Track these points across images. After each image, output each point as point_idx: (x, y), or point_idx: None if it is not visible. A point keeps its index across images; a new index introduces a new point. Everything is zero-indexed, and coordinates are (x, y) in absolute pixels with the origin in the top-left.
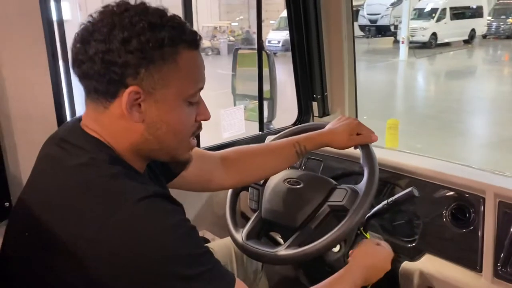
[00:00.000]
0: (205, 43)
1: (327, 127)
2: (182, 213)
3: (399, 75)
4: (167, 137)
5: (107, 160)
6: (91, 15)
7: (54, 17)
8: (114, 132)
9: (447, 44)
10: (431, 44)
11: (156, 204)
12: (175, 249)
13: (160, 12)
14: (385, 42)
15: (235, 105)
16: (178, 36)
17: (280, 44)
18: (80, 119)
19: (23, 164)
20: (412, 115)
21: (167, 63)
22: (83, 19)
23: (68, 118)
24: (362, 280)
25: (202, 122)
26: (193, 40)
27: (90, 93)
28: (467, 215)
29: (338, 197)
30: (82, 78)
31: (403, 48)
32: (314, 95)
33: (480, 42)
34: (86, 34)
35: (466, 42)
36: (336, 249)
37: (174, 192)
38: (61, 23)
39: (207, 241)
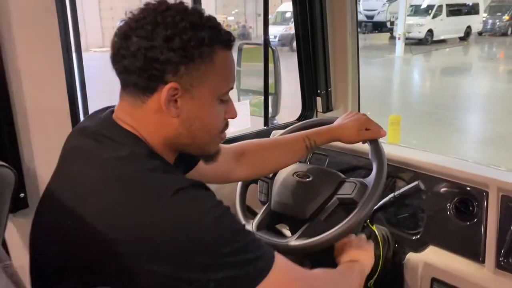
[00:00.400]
0: None
1: (336, 122)
2: (215, 197)
3: (395, 71)
4: (200, 133)
5: (146, 155)
6: (131, 12)
7: (69, 11)
8: (149, 126)
9: (443, 41)
10: (427, 41)
11: (192, 193)
12: (217, 228)
13: (199, 13)
14: (381, 38)
15: (239, 100)
16: (216, 36)
17: (276, 39)
18: (112, 111)
19: (38, 156)
20: (407, 111)
21: (205, 62)
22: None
23: (81, 112)
24: (362, 273)
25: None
26: (228, 40)
27: (129, 87)
28: (471, 208)
29: (348, 190)
30: (122, 72)
31: (399, 45)
32: (318, 91)
33: (476, 39)
34: (128, 30)
35: (461, 39)
36: None
37: None
38: (75, 17)
39: None
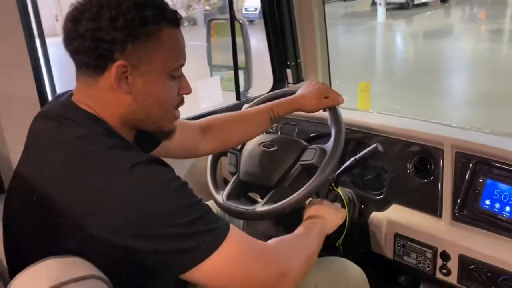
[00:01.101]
0: (180, 13)
1: (297, 93)
2: (173, 171)
3: (377, 38)
4: (153, 108)
5: (104, 133)
6: None
7: None
8: (105, 104)
9: (424, 4)
10: (408, 5)
11: (148, 168)
12: (171, 202)
13: None
14: (363, 5)
15: (211, 76)
16: (160, 15)
17: (257, 12)
18: (71, 94)
19: (10, 142)
20: (390, 76)
21: (151, 40)
22: None
23: (50, 96)
24: (323, 230)
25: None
26: (174, 19)
27: (81, 68)
28: (429, 166)
29: (309, 156)
30: (73, 54)
31: (381, 10)
32: (288, 62)
33: (457, 0)
34: (77, 14)
35: (443, 1)
36: None
37: None
38: (34, 2)
39: None
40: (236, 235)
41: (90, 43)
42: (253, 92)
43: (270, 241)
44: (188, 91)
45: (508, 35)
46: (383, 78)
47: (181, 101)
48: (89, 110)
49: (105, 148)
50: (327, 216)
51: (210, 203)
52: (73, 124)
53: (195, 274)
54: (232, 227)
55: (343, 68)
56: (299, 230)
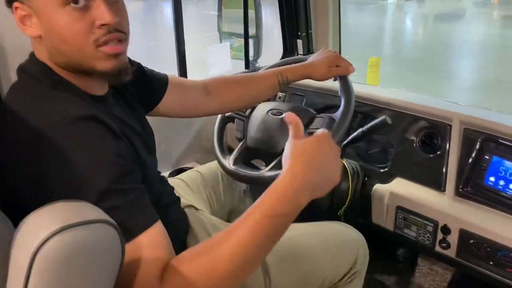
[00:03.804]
0: None
1: (308, 60)
2: (109, 140)
3: (387, 18)
4: (63, 47)
5: (50, 85)
6: None
7: None
8: (39, 51)
9: None
10: None
11: (86, 128)
12: (95, 177)
13: None
14: None
15: (221, 42)
16: None
17: None
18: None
19: None
20: (399, 58)
21: None
22: None
23: None
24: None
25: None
26: None
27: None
28: (435, 141)
29: (317, 124)
30: None
31: None
32: (299, 33)
33: None
34: None
35: None
36: None
37: (163, 127)
38: None
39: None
40: (156, 233)
41: None
42: (262, 63)
43: (186, 254)
44: (106, 20)
45: None
46: (391, 59)
47: (105, 34)
48: (42, 60)
49: (45, 98)
50: (314, 186)
51: (214, 164)
52: (28, 77)
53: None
54: (158, 224)
55: (352, 47)
56: (247, 231)
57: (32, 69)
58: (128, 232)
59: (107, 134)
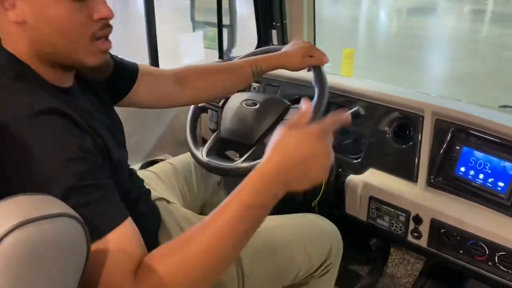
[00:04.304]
0: None
1: (282, 50)
2: (74, 135)
3: (362, 11)
4: (54, 39)
5: (14, 76)
6: None
7: None
8: (11, 39)
9: None
10: None
11: (50, 122)
12: (59, 174)
13: None
14: None
15: (194, 31)
16: None
17: None
18: None
19: None
20: (372, 51)
21: None
22: None
23: None
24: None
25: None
26: None
27: None
28: (408, 132)
29: (291, 115)
30: None
31: None
32: (274, 23)
33: None
34: None
35: None
36: None
37: (135, 117)
38: None
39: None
40: (123, 232)
41: None
42: (236, 53)
43: (160, 250)
44: (105, 14)
45: (489, 16)
46: (364, 52)
47: (102, 28)
48: (9, 49)
49: (4, 92)
50: (291, 180)
51: (187, 156)
52: None
53: None
54: (127, 223)
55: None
56: (210, 223)
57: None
58: (96, 230)
59: (72, 128)
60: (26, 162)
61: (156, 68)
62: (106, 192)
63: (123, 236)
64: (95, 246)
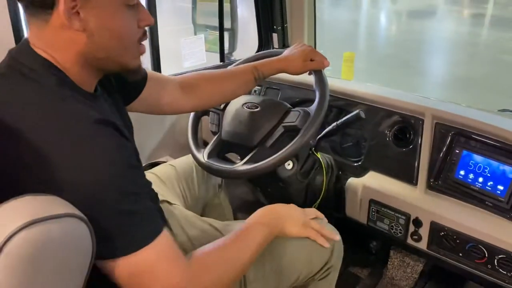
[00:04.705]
0: None
1: (283, 54)
2: (128, 148)
3: (362, 14)
4: (112, 44)
5: (56, 83)
6: None
7: None
8: (59, 45)
9: None
10: None
11: (104, 132)
12: (114, 181)
13: None
14: None
15: (195, 34)
16: None
17: None
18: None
19: None
20: (372, 54)
21: None
22: None
23: None
24: (269, 236)
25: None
26: None
27: (29, 8)
28: (408, 135)
29: (292, 118)
30: None
31: None
32: (274, 27)
33: None
34: None
35: None
36: (289, 166)
37: (137, 119)
38: None
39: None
40: (162, 246)
41: None
42: (237, 56)
43: (198, 252)
44: (149, 22)
45: (489, 20)
46: (364, 55)
47: (144, 34)
48: (44, 55)
49: (57, 100)
50: (285, 224)
51: (189, 158)
52: (27, 71)
53: (109, 264)
54: (163, 235)
55: (326, 43)
56: (238, 233)
57: (34, 65)
58: (150, 234)
59: (121, 138)
60: (82, 167)
61: (162, 75)
62: (150, 198)
63: (169, 237)
64: (148, 250)
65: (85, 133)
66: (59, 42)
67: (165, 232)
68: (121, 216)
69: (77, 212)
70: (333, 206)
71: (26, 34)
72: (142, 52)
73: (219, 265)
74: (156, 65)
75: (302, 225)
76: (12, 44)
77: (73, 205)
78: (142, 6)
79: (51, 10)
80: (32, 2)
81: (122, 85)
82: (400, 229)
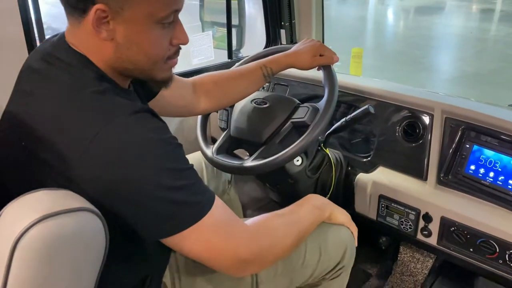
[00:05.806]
0: None
1: (292, 49)
2: (168, 130)
3: (369, 11)
4: (139, 58)
5: (95, 77)
6: None
7: None
8: (90, 47)
9: None
10: None
11: (146, 119)
12: (162, 161)
13: None
14: None
15: (203, 31)
16: None
17: None
18: (64, 34)
19: None
20: (380, 50)
21: None
22: None
23: (37, 39)
24: (319, 217)
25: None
26: None
27: (66, 6)
28: (417, 130)
29: (301, 114)
30: None
31: None
32: (282, 23)
33: None
34: None
35: None
36: (298, 162)
37: None
38: None
39: None
40: (219, 209)
41: None
42: (245, 53)
43: (254, 218)
44: (184, 41)
45: (498, 15)
46: (372, 51)
47: (176, 52)
48: (80, 51)
49: (97, 92)
50: (334, 210)
51: (198, 154)
52: (64, 65)
53: (172, 240)
54: (217, 200)
55: (334, 39)
56: (292, 208)
57: (72, 60)
58: (207, 203)
59: (159, 122)
60: (117, 159)
61: (176, 76)
62: (197, 180)
63: (221, 201)
64: (210, 215)
65: (129, 121)
66: (89, 44)
67: (217, 197)
68: (181, 191)
69: (90, 206)
70: (342, 202)
71: (36, 34)
72: (173, 65)
73: (275, 230)
74: None
75: (348, 217)
76: (23, 45)
77: (135, 191)
78: (180, 24)
79: (83, 15)
80: (69, 3)
81: (144, 83)
82: (410, 225)
